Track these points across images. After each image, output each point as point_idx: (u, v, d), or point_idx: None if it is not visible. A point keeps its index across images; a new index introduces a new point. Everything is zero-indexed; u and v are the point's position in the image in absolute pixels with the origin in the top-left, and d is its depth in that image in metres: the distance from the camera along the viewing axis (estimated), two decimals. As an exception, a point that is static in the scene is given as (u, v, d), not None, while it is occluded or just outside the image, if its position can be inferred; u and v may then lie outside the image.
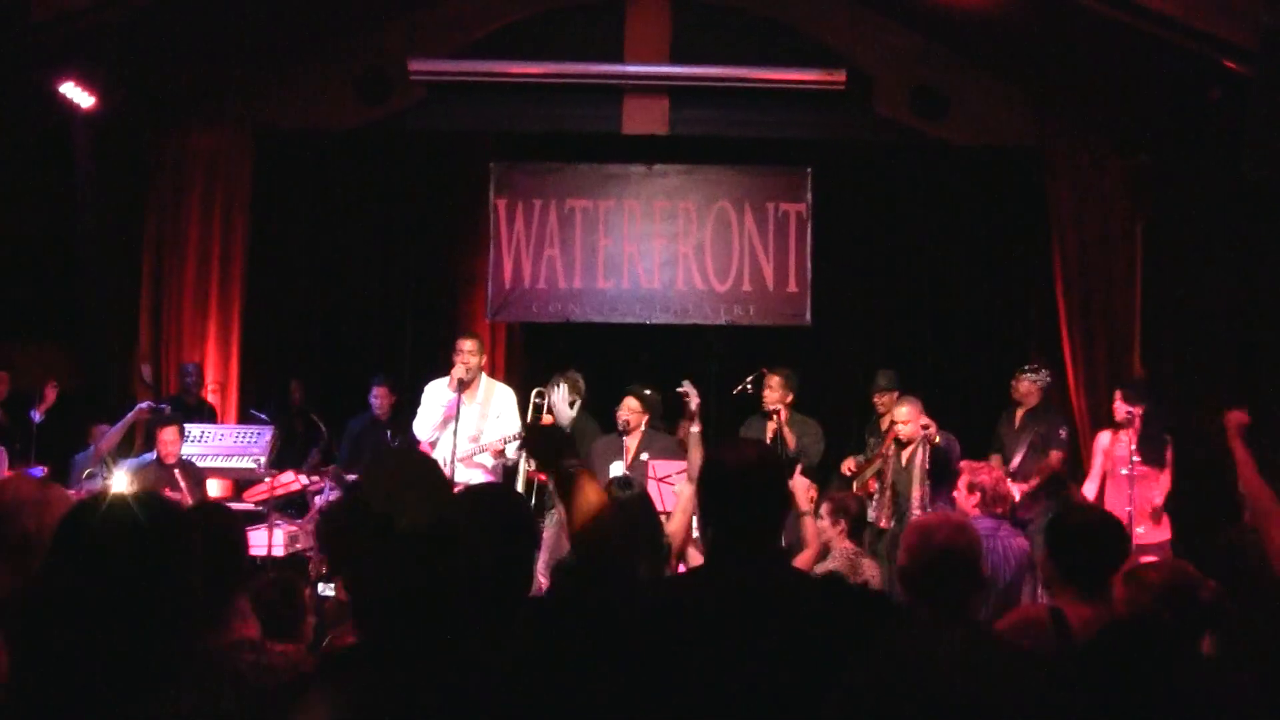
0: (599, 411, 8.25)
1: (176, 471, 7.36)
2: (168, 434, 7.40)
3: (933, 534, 3.19)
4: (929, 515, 3.90)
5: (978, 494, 5.04)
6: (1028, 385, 8.39)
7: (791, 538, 5.53)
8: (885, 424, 8.24)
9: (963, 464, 5.85)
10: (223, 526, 2.94)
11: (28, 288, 8.49)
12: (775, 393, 7.72)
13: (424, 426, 7.42)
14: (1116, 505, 6.99)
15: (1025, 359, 9.03)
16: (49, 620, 1.86)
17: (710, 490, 2.65)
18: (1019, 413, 8.43)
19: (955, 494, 5.38)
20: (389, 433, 8.74)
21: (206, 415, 8.70)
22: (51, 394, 8.08)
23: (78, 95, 7.83)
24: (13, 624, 1.92)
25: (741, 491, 2.58)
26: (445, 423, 7.24)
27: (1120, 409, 7.71)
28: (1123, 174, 9.22)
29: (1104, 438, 7.97)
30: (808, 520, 5.33)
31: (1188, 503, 7.80)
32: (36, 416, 7.99)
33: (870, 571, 5.63)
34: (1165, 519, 7.50)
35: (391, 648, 2.05)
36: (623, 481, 5.12)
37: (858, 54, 9.03)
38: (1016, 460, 8.07)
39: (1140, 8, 7.00)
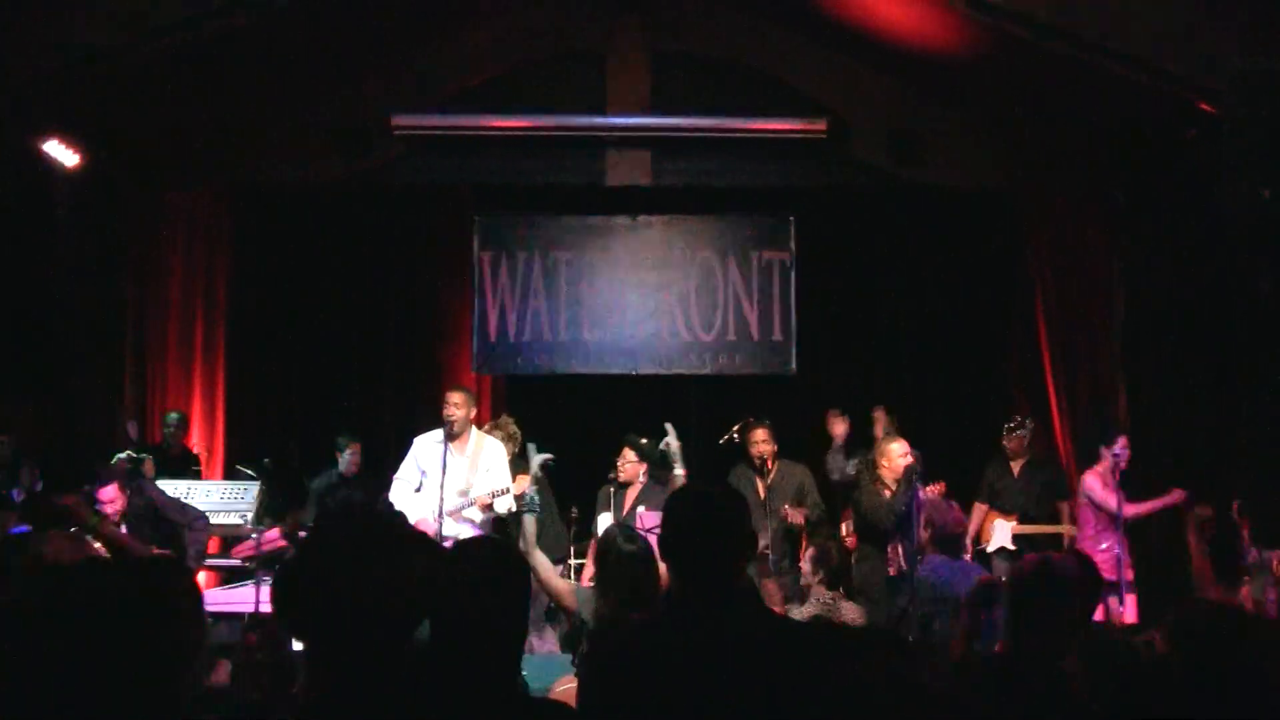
0: (584, 463, 8.19)
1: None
2: (107, 492, 6.72)
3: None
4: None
5: (929, 530, 5.43)
6: (1020, 439, 8.46)
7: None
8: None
9: (925, 499, 6.02)
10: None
11: (7, 345, 8.43)
12: (769, 445, 7.60)
13: (404, 480, 7.39)
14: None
15: (1009, 400, 9.06)
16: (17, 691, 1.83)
17: (668, 534, 2.66)
18: (1016, 465, 8.44)
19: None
20: (357, 489, 8.63)
21: (191, 464, 8.63)
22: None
23: (60, 153, 7.85)
24: None
25: (698, 535, 2.59)
26: (433, 476, 7.19)
27: (1110, 455, 7.77)
28: (1100, 215, 9.30)
29: (1091, 480, 8.00)
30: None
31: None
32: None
33: (849, 614, 5.65)
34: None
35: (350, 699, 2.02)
36: (628, 534, 4.91)
37: (835, 101, 9.12)
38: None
39: (1110, 51, 7.10)
